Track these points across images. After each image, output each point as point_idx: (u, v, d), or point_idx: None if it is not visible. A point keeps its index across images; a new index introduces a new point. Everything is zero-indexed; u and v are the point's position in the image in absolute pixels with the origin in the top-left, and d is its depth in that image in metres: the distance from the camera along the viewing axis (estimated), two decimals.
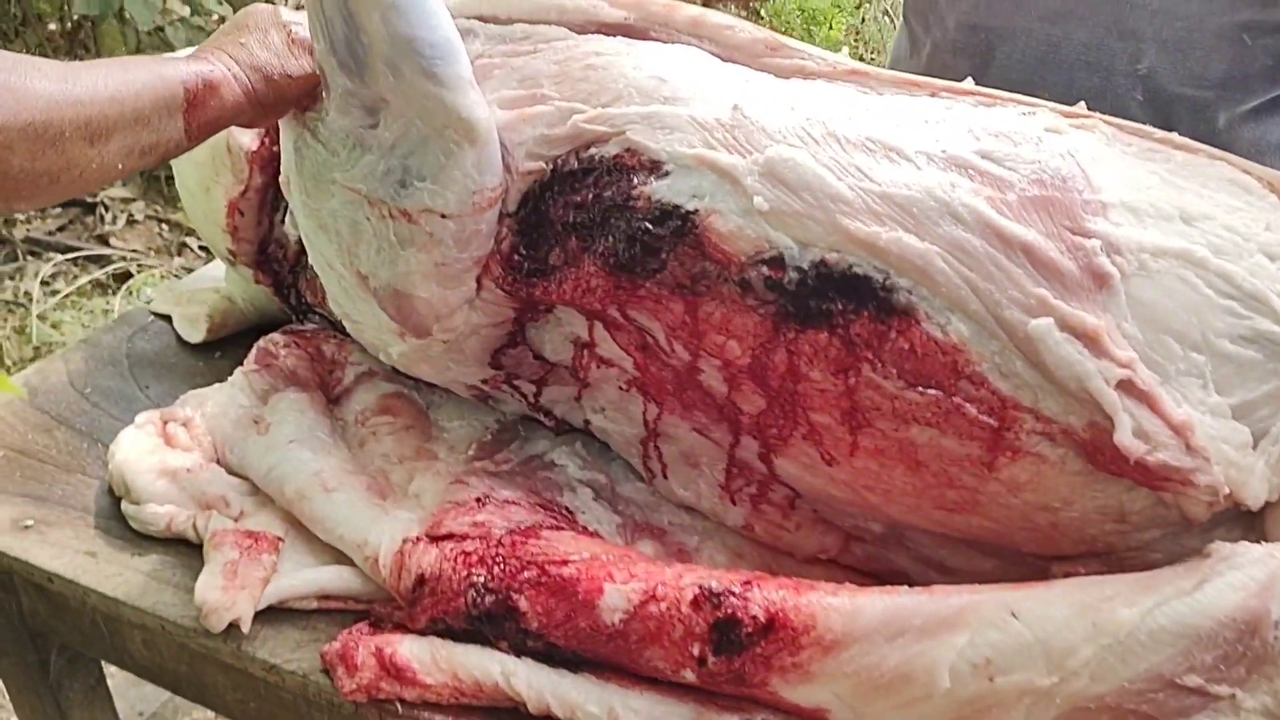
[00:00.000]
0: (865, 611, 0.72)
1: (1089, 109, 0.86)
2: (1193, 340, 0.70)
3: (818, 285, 0.74)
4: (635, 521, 0.92)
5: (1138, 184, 0.75)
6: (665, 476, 0.92)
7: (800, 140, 0.77)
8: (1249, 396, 0.71)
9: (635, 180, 0.80)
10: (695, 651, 0.74)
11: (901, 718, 0.72)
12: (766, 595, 0.73)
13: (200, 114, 0.80)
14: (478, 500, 0.88)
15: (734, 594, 0.74)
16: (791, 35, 3.63)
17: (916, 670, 0.70)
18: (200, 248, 2.82)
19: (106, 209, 2.92)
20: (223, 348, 1.17)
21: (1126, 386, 0.69)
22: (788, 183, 0.75)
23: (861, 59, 3.92)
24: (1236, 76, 1.02)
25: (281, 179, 0.97)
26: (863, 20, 3.96)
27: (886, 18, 4.01)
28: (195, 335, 1.17)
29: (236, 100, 0.83)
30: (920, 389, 0.73)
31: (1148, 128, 0.82)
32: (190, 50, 0.87)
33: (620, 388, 0.89)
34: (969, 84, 0.86)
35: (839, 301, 0.74)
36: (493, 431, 1.01)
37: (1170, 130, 0.95)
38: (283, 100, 0.86)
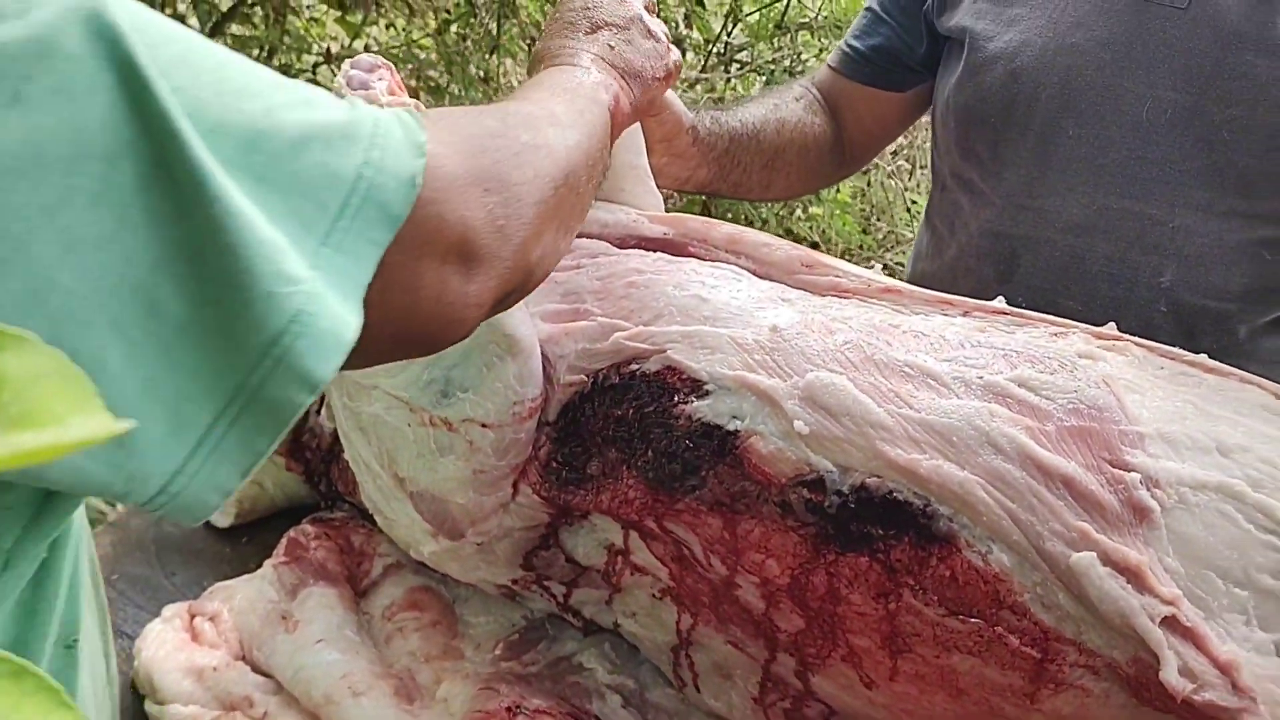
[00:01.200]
0: None
1: (1113, 318, 0.88)
2: (1235, 576, 0.71)
3: (858, 509, 0.75)
4: None
5: (1173, 414, 0.77)
6: (696, 686, 0.91)
7: (840, 365, 0.79)
8: None
9: (676, 398, 0.81)
10: None
11: None
12: None
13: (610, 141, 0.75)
14: (508, 710, 0.87)
15: None
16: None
17: None
18: None
19: None
20: (250, 533, 1.17)
21: (1171, 623, 0.68)
22: (828, 408, 0.77)
23: (867, 219, 4.02)
24: (1257, 290, 1.05)
25: None
26: (869, 184, 4.07)
27: (892, 180, 4.12)
28: (223, 520, 1.17)
29: (624, 119, 0.79)
30: (962, 617, 0.73)
31: (1178, 350, 0.84)
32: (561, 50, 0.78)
33: (653, 595, 0.89)
34: (1000, 303, 0.89)
35: (879, 526, 0.74)
36: (520, 630, 1.01)
37: (1193, 340, 0.97)
38: (649, 107, 0.83)
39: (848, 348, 0.80)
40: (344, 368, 0.48)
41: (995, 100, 1.09)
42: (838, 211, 2.90)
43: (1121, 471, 0.72)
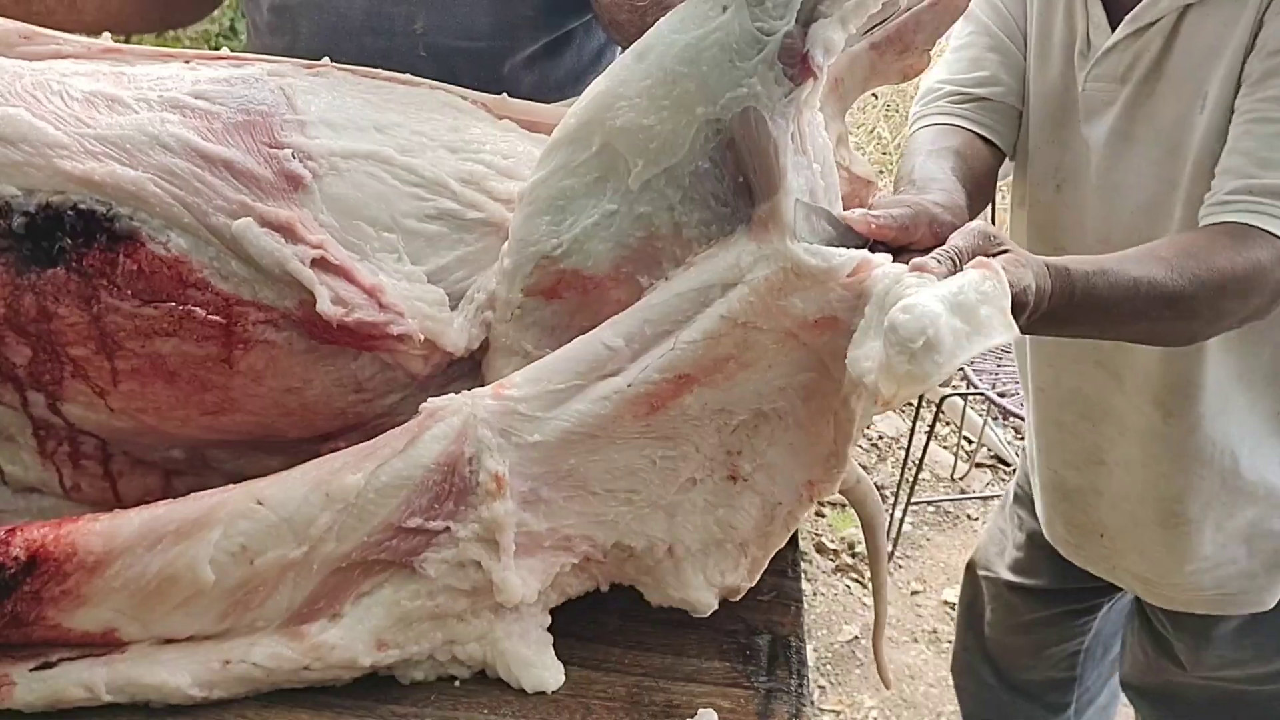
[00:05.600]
0: (123, 529, 0.76)
1: (382, 67, 0.97)
2: (384, 222, 0.82)
3: (46, 226, 0.79)
4: None
5: (341, 107, 0.87)
6: None
7: (20, 100, 0.82)
8: (441, 262, 0.83)
9: None
10: None
11: (184, 616, 0.77)
12: (27, 536, 0.76)
13: None
14: None
15: None
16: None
17: (180, 570, 0.75)
18: None
19: None
20: None
21: (322, 264, 0.78)
22: (6, 137, 0.79)
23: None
24: (503, 27, 1.17)
25: None
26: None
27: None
28: None
29: None
30: (155, 304, 0.79)
31: (380, 70, 0.95)
32: None
33: None
34: (225, 52, 0.95)
35: (69, 238, 0.79)
36: None
37: (455, 78, 1.06)
38: None
39: (34, 86, 0.83)
40: None
41: None
42: None
43: (276, 150, 0.81)
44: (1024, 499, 1.48)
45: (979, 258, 0.72)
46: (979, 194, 1.12)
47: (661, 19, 0.82)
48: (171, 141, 0.80)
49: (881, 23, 0.95)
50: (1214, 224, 0.97)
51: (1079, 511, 1.31)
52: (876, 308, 0.72)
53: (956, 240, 0.76)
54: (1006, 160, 1.23)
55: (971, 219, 1.23)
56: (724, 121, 0.79)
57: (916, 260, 0.73)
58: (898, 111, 4.18)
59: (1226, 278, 0.90)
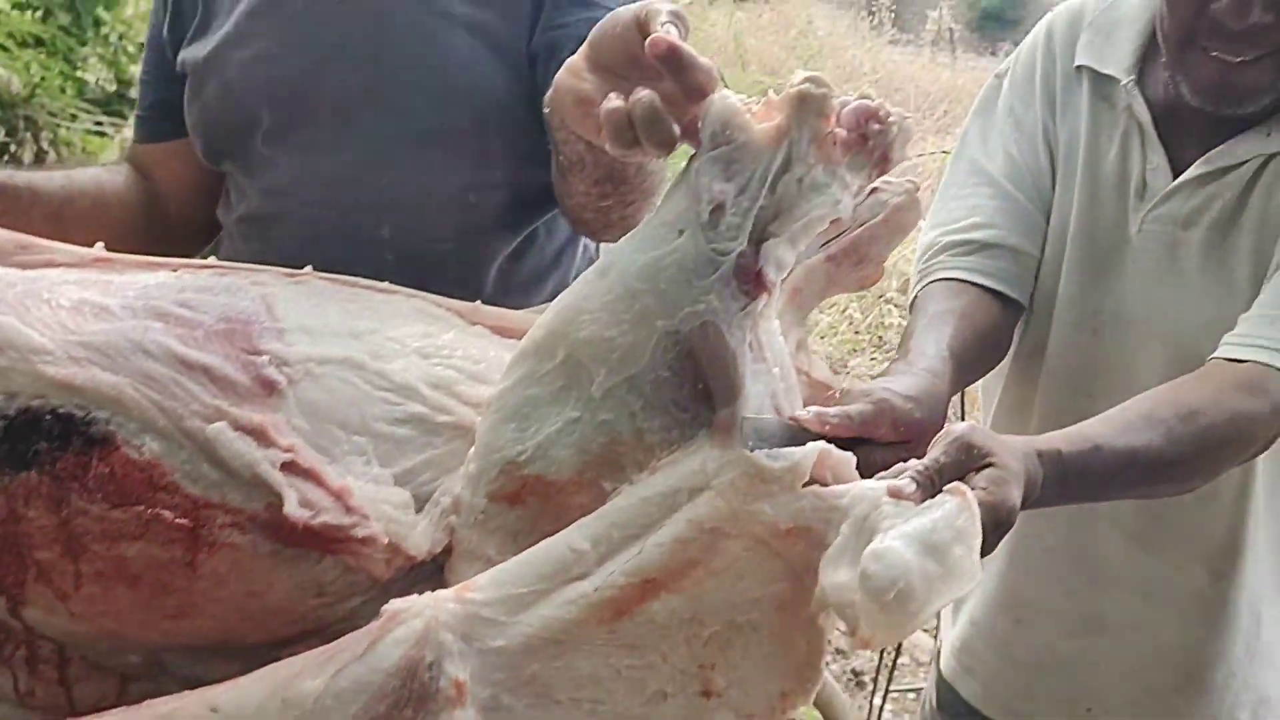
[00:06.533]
0: None
1: (352, 273, 1.01)
2: (354, 426, 0.84)
3: (23, 430, 0.81)
4: None
5: (318, 314, 0.90)
6: None
7: (12, 309, 0.85)
8: (408, 465, 0.85)
9: None
10: None
11: None
12: None
13: None
14: None
15: None
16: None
17: None
18: None
19: None
20: None
21: (291, 467, 0.80)
22: None
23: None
24: (470, 230, 1.22)
25: None
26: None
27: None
28: None
29: None
30: (124, 507, 0.80)
31: (359, 279, 0.99)
32: None
33: None
34: (211, 260, 0.99)
35: (44, 442, 0.81)
36: None
37: (427, 282, 1.10)
38: None
39: (24, 295, 0.86)
40: None
41: (216, 111, 1.23)
42: None
43: (254, 357, 0.84)
44: (949, 706, 1.40)
45: (956, 483, 0.72)
46: (984, 357, 1.10)
47: (622, 239, 0.86)
48: (153, 348, 0.83)
49: (836, 237, 1.01)
50: (1220, 359, 0.97)
51: (1065, 685, 1.26)
52: (853, 533, 0.73)
53: (937, 453, 0.75)
54: None
55: (976, 379, 1.20)
56: (683, 333, 0.82)
57: (893, 485, 0.73)
58: (869, 292, 4.31)
59: (1226, 436, 0.90)
